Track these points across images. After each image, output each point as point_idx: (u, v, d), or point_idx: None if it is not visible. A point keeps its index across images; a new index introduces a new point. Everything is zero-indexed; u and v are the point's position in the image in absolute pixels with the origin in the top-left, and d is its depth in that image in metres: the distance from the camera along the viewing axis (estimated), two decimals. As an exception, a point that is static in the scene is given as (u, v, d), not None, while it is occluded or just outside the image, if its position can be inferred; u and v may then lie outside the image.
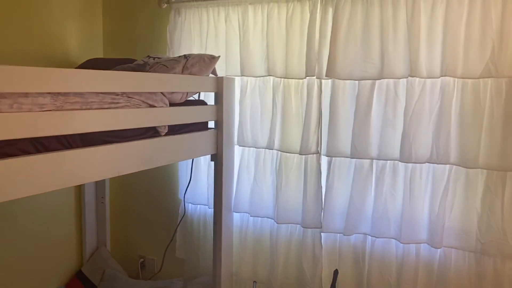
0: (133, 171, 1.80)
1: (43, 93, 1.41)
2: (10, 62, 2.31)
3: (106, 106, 1.64)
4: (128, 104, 1.75)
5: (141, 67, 2.12)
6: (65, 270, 2.79)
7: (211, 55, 2.18)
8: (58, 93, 1.46)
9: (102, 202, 2.87)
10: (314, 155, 2.23)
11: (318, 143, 2.23)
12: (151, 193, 2.87)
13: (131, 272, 2.92)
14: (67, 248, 2.78)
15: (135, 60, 2.42)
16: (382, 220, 2.15)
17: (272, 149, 2.36)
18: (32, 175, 1.38)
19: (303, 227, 2.30)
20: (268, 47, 2.30)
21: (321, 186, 2.24)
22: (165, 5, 2.57)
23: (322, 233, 2.26)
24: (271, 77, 2.33)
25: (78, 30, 2.74)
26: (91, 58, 2.72)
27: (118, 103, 1.70)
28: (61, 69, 1.45)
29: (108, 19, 2.88)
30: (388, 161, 2.11)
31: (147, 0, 2.71)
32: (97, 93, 1.61)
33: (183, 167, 2.67)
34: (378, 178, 2.14)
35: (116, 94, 1.70)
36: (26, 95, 1.36)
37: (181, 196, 2.68)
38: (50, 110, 1.43)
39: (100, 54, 2.90)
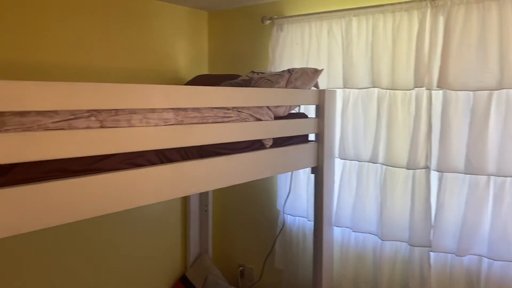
0: (242, 182, 1.87)
1: (167, 109, 1.53)
2: (128, 80, 2.55)
3: (219, 120, 1.73)
4: (238, 118, 1.83)
5: (247, 83, 2.21)
6: (170, 274, 2.96)
7: (314, 69, 2.19)
8: (179, 109, 1.58)
9: (205, 211, 3.02)
10: (423, 170, 2.12)
11: (428, 157, 2.12)
12: (251, 204, 2.95)
13: (231, 280, 3.01)
14: (172, 253, 2.96)
15: (240, 75, 2.52)
16: (501, 242, 1.97)
17: (376, 162, 2.30)
18: (158, 184, 1.50)
19: (410, 245, 2.19)
20: (373, 58, 2.26)
21: (430, 203, 2.13)
22: (268, 21, 2.65)
23: (431, 253, 2.14)
24: (376, 89, 2.28)
25: (186, 49, 2.94)
26: (198, 74, 2.90)
27: (229, 117, 1.78)
28: (182, 87, 1.57)
29: (213, 38, 3.04)
30: (509, 178, 1.94)
31: (250, 18, 2.82)
32: (212, 108, 1.71)
33: (282, 178, 2.71)
34: (497, 196, 1.97)
35: (228, 108, 1.79)
36: (153, 110, 1.49)
37: (279, 207, 2.72)
38: (172, 125, 1.55)
39: (205, 71, 3.08)
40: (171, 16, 2.82)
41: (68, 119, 1.25)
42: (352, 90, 2.37)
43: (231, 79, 2.43)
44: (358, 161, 2.37)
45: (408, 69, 2.15)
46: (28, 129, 1.16)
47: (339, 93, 2.41)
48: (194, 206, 3.00)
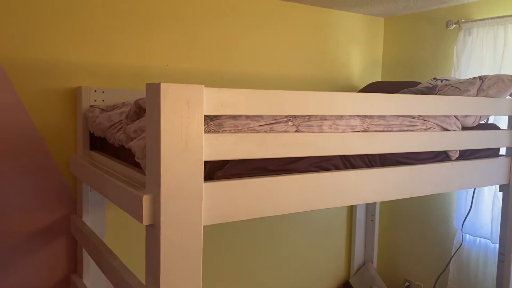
0: (424, 194, 1.80)
1: (354, 116, 1.57)
2: (303, 87, 2.68)
3: (405, 128, 1.70)
4: (424, 127, 1.76)
5: (431, 90, 2.11)
6: (334, 278, 3.00)
7: (511, 76, 1.98)
8: (365, 116, 1.60)
9: (371, 220, 2.98)
10: None
11: None
12: (422, 217, 2.80)
13: (396, 294, 2.91)
14: (337, 259, 2.99)
15: (419, 82, 2.43)
16: None
17: None
18: (341, 189, 1.54)
19: None
20: None
21: None
22: (453, 25, 2.50)
23: None
24: None
25: (360, 56, 2.95)
26: (372, 82, 2.88)
27: (415, 126, 1.73)
28: (369, 94, 1.59)
29: (389, 44, 2.99)
30: None
31: (431, 23, 2.69)
32: (398, 116, 1.68)
33: (462, 194, 2.50)
34: None
35: (413, 117, 1.74)
36: (341, 117, 1.54)
37: (457, 225, 2.52)
38: (358, 131, 1.58)
39: (378, 78, 3.04)
40: (347, 24, 2.87)
41: (271, 123, 1.38)
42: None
43: (409, 87, 2.36)
44: (563, 181, 2.05)
45: None
46: (240, 131, 1.32)
47: (541, 103, 2.12)
48: (360, 214, 2.99)
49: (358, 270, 3.00)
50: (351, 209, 3.00)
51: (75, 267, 2.10)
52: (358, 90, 2.86)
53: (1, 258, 1.93)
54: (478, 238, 2.43)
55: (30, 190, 1.97)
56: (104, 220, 2.11)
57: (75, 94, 2.04)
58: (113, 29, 2.10)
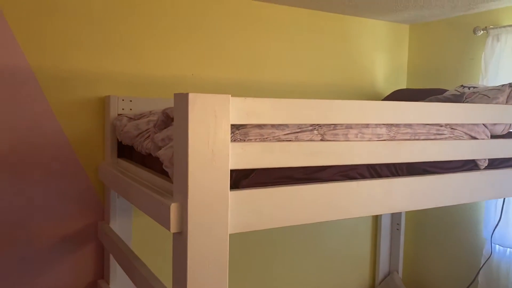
0: (452, 204, 1.76)
1: (380, 124, 1.56)
2: (327, 94, 2.67)
3: (432, 137, 1.68)
4: (451, 135, 1.73)
5: (458, 98, 2.08)
6: (358, 287, 2.96)
7: (541, 83, 1.93)
8: (392, 124, 1.59)
9: (397, 229, 2.93)
10: None
11: None
12: (450, 227, 2.74)
13: (422, 306, 2.85)
14: (362, 267, 2.96)
15: (445, 90, 2.39)
16: None
17: None
18: (367, 198, 1.53)
19: None
20: None
21: None
22: (481, 32, 2.45)
23: None
24: None
25: (385, 63, 2.92)
26: (396, 89, 2.85)
27: (442, 134, 1.71)
28: (395, 102, 1.57)
29: (414, 51, 2.96)
30: None
31: (458, 29, 2.65)
32: (425, 125, 1.66)
33: (491, 203, 2.44)
34: None
35: (441, 125, 1.71)
36: (367, 126, 1.53)
37: (486, 235, 2.46)
38: (385, 140, 1.56)
39: (403, 85, 3.01)
40: (372, 32, 2.86)
41: (296, 132, 1.39)
42: None
43: (436, 94, 2.33)
44: None
45: None
46: (265, 139, 1.33)
47: None
48: (385, 223, 2.95)
49: (383, 279, 2.95)
50: (376, 218, 2.96)
51: (102, 272, 2.14)
52: (382, 98, 2.83)
53: (30, 263, 1.99)
54: (508, 249, 2.37)
55: (60, 196, 2.02)
56: (131, 227, 2.15)
57: (103, 103, 2.10)
58: (140, 40, 2.15)
